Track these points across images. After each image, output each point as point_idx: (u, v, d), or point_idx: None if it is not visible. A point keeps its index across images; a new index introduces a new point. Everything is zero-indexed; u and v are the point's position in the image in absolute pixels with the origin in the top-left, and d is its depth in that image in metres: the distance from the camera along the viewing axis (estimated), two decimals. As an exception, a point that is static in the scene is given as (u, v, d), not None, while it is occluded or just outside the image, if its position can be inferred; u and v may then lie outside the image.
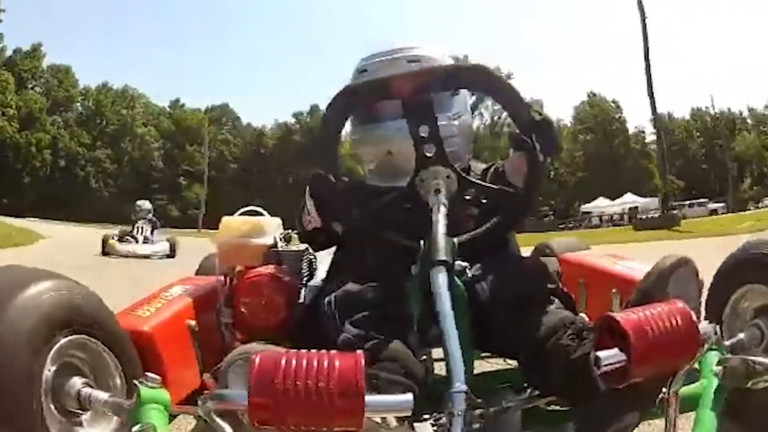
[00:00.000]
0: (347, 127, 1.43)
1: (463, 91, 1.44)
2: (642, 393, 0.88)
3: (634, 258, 1.72)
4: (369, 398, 0.67)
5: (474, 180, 1.22)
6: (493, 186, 1.25)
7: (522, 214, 1.24)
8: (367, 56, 1.45)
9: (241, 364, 1.00)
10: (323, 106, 1.26)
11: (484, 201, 1.22)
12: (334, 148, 1.21)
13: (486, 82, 1.16)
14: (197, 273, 1.87)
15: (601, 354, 0.76)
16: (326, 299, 1.21)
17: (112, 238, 10.37)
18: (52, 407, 0.85)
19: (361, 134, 1.45)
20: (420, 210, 1.13)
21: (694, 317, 0.77)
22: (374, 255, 1.28)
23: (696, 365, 1.01)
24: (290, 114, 53.46)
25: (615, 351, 0.75)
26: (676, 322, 0.76)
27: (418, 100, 1.14)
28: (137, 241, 10.59)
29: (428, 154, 1.16)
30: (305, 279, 1.69)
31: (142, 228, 10.90)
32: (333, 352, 0.71)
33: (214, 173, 42.72)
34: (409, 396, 0.69)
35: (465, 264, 1.08)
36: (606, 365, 0.75)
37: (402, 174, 1.23)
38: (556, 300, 1.13)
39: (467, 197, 1.19)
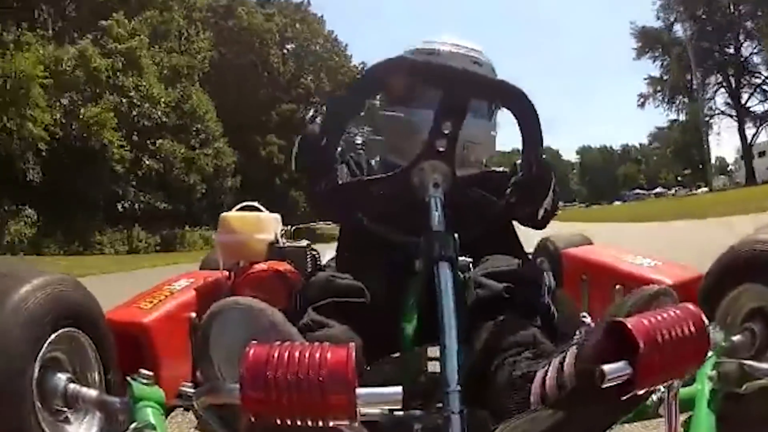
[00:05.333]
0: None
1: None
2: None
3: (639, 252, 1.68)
4: (360, 391, 0.67)
5: (467, 186, 1.20)
6: (479, 199, 1.25)
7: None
8: (438, 41, 1.46)
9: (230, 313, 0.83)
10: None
11: (473, 208, 1.21)
12: (359, 107, 1.12)
13: (520, 109, 1.13)
14: (201, 268, 1.87)
15: (605, 368, 0.69)
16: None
17: None
18: (40, 405, 0.84)
19: (397, 113, 1.43)
20: (409, 198, 1.12)
21: (706, 322, 0.71)
22: (358, 238, 1.27)
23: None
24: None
25: (621, 364, 0.69)
26: (688, 328, 0.70)
27: (457, 98, 1.12)
28: None
29: (439, 149, 1.13)
30: (309, 275, 1.70)
31: None
32: (325, 344, 0.71)
33: None
34: (398, 388, 0.69)
35: (469, 260, 1.06)
36: (611, 378, 0.69)
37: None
38: (537, 316, 1.11)
39: (456, 199, 1.17)
